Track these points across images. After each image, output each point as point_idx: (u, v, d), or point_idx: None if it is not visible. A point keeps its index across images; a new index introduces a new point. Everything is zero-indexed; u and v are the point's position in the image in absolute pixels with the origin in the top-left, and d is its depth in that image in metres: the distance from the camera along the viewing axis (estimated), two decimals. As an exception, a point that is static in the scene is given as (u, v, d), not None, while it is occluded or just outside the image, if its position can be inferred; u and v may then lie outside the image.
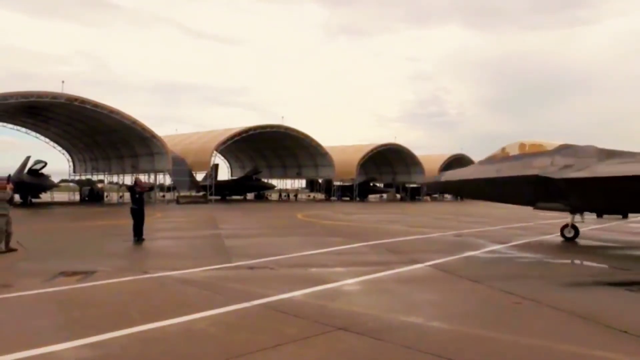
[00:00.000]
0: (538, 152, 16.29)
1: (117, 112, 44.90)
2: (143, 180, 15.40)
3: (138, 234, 14.48)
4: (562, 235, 16.29)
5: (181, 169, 52.21)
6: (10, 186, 12.59)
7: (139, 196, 15.26)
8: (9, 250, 11.84)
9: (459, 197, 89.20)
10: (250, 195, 67.75)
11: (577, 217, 16.11)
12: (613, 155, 15.67)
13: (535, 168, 15.67)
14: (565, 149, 16.08)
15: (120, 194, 62.18)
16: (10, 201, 12.54)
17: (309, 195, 77.37)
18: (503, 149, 17.30)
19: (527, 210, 18.45)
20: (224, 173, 71.63)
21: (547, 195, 15.72)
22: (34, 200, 45.22)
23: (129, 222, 15.19)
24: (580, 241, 15.94)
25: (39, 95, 40.57)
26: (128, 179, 62.02)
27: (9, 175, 13.87)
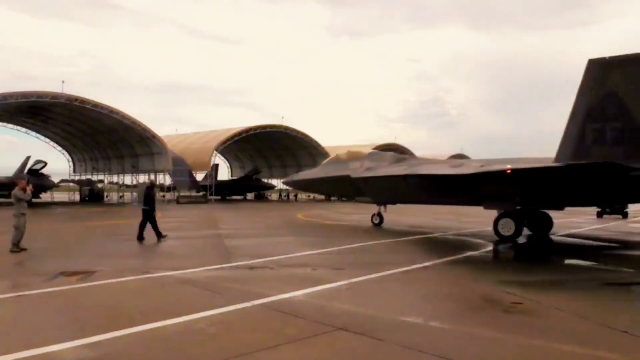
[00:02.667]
0: (355, 158, 20.94)
1: (117, 112, 44.88)
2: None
3: (158, 234, 15.00)
4: (372, 221, 20.91)
5: (181, 169, 52.20)
6: (30, 187, 12.97)
7: (152, 197, 15.58)
8: (21, 249, 12.03)
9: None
10: (250, 195, 67.69)
11: (382, 208, 20.77)
12: (402, 160, 20.86)
13: (349, 170, 20.21)
14: (372, 155, 21.16)
15: (120, 193, 62.19)
16: (29, 202, 12.89)
17: (309, 196, 77.29)
18: (337, 155, 22.20)
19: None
20: (224, 173, 71.66)
21: (357, 191, 20.32)
22: (34, 200, 45.10)
23: (129, 222, 15.22)
24: (580, 241, 15.98)
25: (39, 95, 40.56)
26: (128, 179, 62.07)
27: (28, 177, 14.11)
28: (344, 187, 20.92)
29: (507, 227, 15.33)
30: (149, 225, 15.03)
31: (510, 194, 15.35)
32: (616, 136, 13.94)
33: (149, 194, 15.66)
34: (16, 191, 12.48)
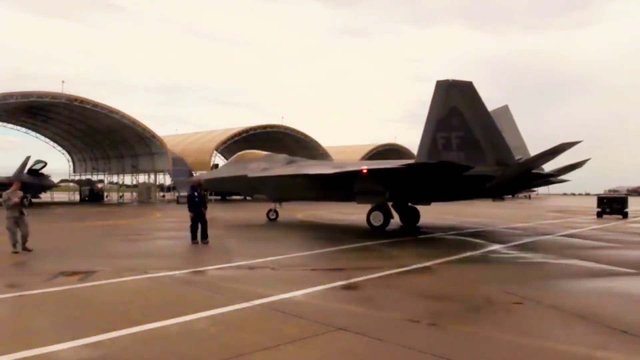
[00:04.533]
0: (254, 159, 22.73)
1: (117, 112, 44.91)
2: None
3: (198, 236, 13.97)
4: (267, 217, 22.68)
5: (181, 169, 52.21)
6: (16, 188, 12.58)
7: (200, 198, 14.30)
8: (25, 250, 12.06)
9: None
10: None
11: (277, 205, 22.78)
12: (293, 162, 22.74)
13: (247, 170, 21.76)
14: (268, 157, 22.94)
15: (120, 193, 62.20)
16: (23, 204, 12.51)
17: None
18: (238, 155, 23.80)
19: (527, 210, 19.10)
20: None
21: (254, 189, 22.39)
22: (34, 200, 45.19)
23: (129, 222, 15.18)
24: (580, 242, 15.98)
25: (39, 95, 40.59)
26: (128, 179, 62.09)
27: (19, 181, 13.81)
28: (243, 186, 22.63)
29: (377, 218, 18.42)
30: (148, 226, 14.97)
31: (377, 190, 18.07)
32: (459, 143, 17.05)
33: (194, 195, 14.26)
34: (4, 195, 12.37)
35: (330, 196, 21.64)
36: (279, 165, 22.15)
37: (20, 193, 12.51)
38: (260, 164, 22.26)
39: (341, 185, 18.64)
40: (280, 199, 23.05)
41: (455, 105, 17.12)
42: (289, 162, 22.78)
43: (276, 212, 22.83)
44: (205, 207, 14.33)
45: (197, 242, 13.81)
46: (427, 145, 17.51)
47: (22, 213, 12.20)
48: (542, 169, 19.68)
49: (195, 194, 14.27)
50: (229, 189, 26.62)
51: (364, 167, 17.14)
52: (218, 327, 5.90)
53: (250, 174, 21.55)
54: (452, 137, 17.10)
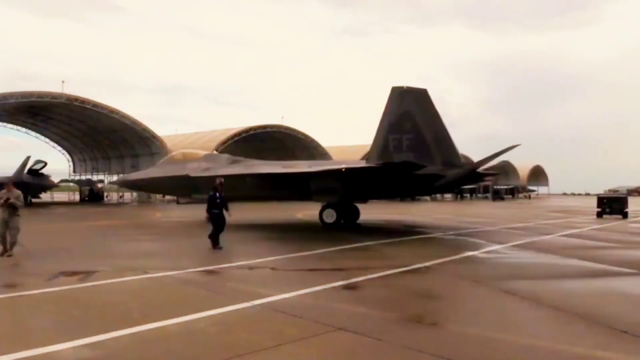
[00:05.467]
0: (192, 158, 22.58)
1: (117, 112, 44.91)
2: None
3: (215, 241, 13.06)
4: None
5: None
6: (5, 194, 11.66)
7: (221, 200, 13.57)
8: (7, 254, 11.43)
9: (458, 197, 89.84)
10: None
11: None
12: (237, 162, 22.83)
13: (187, 170, 21.46)
14: (209, 156, 23.03)
15: (120, 194, 62.17)
16: (5, 203, 11.43)
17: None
18: (172, 156, 23.77)
19: (526, 210, 19.20)
20: (224, 173, 71.41)
21: (195, 189, 21.27)
22: (34, 200, 45.19)
23: (128, 223, 15.14)
24: (580, 241, 15.99)
25: (39, 95, 40.58)
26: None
27: (11, 183, 12.52)
28: (182, 186, 22.19)
29: (330, 215, 19.47)
30: (147, 226, 14.87)
31: (335, 189, 18.99)
32: (409, 144, 18.52)
33: (211, 197, 13.51)
34: None
35: (284, 195, 21.96)
36: (222, 165, 22.07)
37: (18, 193, 11.74)
38: (201, 163, 22.07)
39: (298, 185, 19.28)
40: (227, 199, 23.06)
41: (409, 109, 18.68)
42: (233, 162, 22.79)
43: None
44: (227, 209, 13.56)
45: (220, 248, 12.82)
46: (379, 146, 19.05)
47: (12, 215, 11.45)
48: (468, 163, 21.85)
49: (217, 194, 13.49)
50: (166, 190, 25.88)
51: (343, 165, 17.83)
52: (218, 327, 5.90)
53: (193, 174, 21.12)
54: (403, 139, 18.68)
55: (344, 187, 19.09)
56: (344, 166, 17.74)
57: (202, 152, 23.65)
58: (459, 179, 20.14)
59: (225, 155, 23.93)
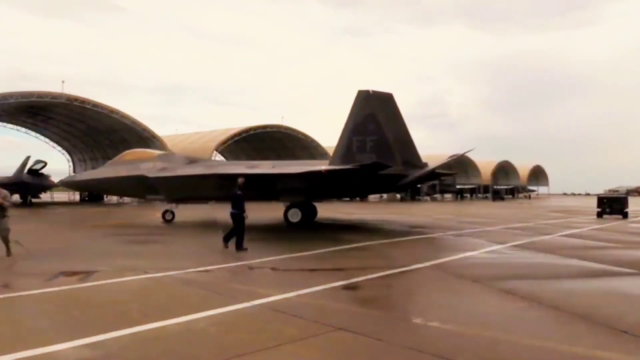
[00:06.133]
0: (145, 158, 22.22)
1: (117, 112, 44.90)
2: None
3: (238, 242, 12.56)
4: (163, 218, 21.90)
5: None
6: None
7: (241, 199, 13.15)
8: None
9: (458, 197, 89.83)
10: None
11: (174, 205, 22.21)
12: (196, 161, 22.90)
13: (142, 170, 21.33)
14: (164, 156, 22.83)
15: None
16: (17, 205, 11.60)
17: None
18: (122, 155, 23.21)
19: (526, 211, 19.29)
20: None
21: (150, 189, 21.38)
22: (33, 200, 45.23)
23: (128, 223, 15.13)
24: (580, 241, 15.99)
25: (39, 95, 40.57)
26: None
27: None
28: (136, 186, 22.00)
29: (295, 215, 20.05)
30: (148, 225, 14.86)
31: (301, 189, 19.61)
32: (372, 146, 19.55)
33: (236, 195, 13.09)
34: None
35: (249, 196, 22.81)
36: (180, 165, 22.06)
37: (5, 192, 11.42)
38: (157, 163, 21.91)
39: (264, 185, 19.81)
40: (183, 200, 22.76)
41: (373, 112, 19.74)
42: (191, 162, 22.82)
43: (173, 212, 22.15)
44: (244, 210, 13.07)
45: (245, 249, 12.37)
46: (342, 146, 20.10)
47: (1, 216, 11.20)
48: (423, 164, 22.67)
49: (239, 194, 13.09)
50: (117, 190, 24.97)
51: (323, 167, 18.56)
52: (218, 327, 5.90)
53: (150, 174, 21.05)
54: (367, 140, 19.74)
55: (312, 187, 19.75)
56: (324, 168, 18.30)
57: (156, 152, 23.44)
58: (419, 178, 22.00)
59: (182, 155, 23.84)
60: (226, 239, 12.91)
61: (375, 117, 19.74)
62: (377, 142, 19.67)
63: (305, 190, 19.92)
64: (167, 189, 21.38)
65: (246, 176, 19.54)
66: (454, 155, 24.83)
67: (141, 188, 21.72)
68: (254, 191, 20.16)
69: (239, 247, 12.46)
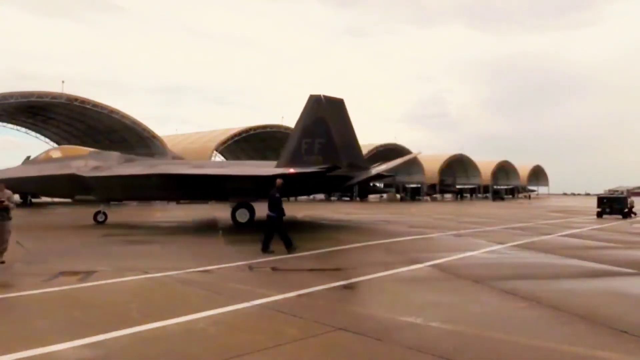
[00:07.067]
0: (76, 156, 21.04)
1: (117, 112, 44.88)
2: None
3: (287, 242, 12.10)
4: (95, 220, 20.64)
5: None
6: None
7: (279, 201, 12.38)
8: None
9: (458, 197, 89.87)
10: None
11: (103, 205, 21.01)
12: (133, 160, 22.14)
13: (73, 168, 20.06)
14: (96, 154, 21.46)
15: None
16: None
17: (309, 195, 77.19)
18: (47, 152, 21.97)
19: (527, 211, 19.30)
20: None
21: (82, 189, 20.25)
22: (33, 200, 45.19)
23: (128, 223, 15.08)
24: (580, 242, 16.00)
25: (39, 95, 40.54)
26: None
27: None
28: (66, 186, 20.58)
29: (243, 215, 19.91)
30: (148, 225, 14.82)
31: (253, 190, 19.74)
32: (320, 148, 20.39)
33: (274, 198, 12.37)
34: None
35: (194, 196, 22.50)
36: (115, 163, 21.05)
37: (9, 193, 10.85)
38: (89, 161, 20.64)
39: (213, 186, 19.80)
40: (120, 199, 22.19)
41: (323, 116, 20.51)
42: (127, 160, 21.91)
43: (105, 214, 20.87)
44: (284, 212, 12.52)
45: (272, 252, 11.82)
46: (291, 148, 20.78)
47: (5, 218, 10.59)
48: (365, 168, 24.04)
49: (278, 195, 12.50)
50: (42, 190, 23.05)
51: (291, 170, 18.83)
52: (218, 327, 5.90)
53: (85, 173, 19.82)
54: (315, 142, 20.48)
55: (265, 188, 19.95)
56: (292, 170, 18.64)
57: (87, 149, 22.19)
58: (364, 180, 23.37)
59: (116, 153, 22.58)
60: (265, 246, 12.10)
61: (325, 120, 20.52)
62: (325, 145, 20.49)
63: (259, 191, 19.72)
64: (104, 189, 20.23)
65: (194, 177, 19.44)
66: (404, 157, 28.53)
67: (71, 187, 20.36)
68: (200, 191, 20.80)
69: (265, 249, 11.95)
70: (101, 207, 20.87)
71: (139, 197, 23.34)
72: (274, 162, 22.15)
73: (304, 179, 20.12)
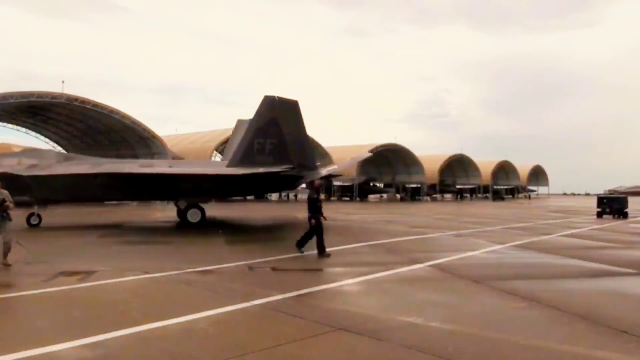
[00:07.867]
0: (7, 153, 20.43)
1: (117, 112, 44.87)
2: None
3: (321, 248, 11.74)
4: (27, 222, 18.95)
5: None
6: None
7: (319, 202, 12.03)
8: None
9: (458, 197, 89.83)
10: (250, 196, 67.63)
11: (37, 207, 19.32)
12: (72, 158, 21.49)
13: (4, 167, 18.31)
14: (30, 152, 20.69)
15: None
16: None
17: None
18: None
19: (526, 211, 19.25)
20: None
21: (16, 189, 17.67)
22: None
23: (128, 223, 15.05)
24: (580, 241, 16.00)
25: (39, 95, 40.52)
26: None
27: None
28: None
29: (195, 215, 19.97)
30: (147, 224, 14.80)
31: (211, 190, 19.92)
32: (271, 149, 20.71)
33: (313, 199, 12.08)
34: None
35: (142, 196, 22.31)
36: (53, 162, 19.82)
37: (6, 193, 10.49)
38: (22, 159, 19.23)
39: (164, 185, 19.62)
40: (58, 201, 20.93)
41: (276, 117, 20.67)
42: (66, 158, 21.04)
43: (40, 216, 19.21)
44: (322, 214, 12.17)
45: (328, 255, 11.61)
46: (243, 147, 20.94)
47: (5, 218, 10.32)
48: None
49: (316, 197, 12.23)
50: None
51: (261, 169, 19.10)
52: (218, 327, 5.90)
53: (22, 172, 18.37)
54: (267, 143, 20.74)
55: (224, 188, 20.33)
56: (262, 170, 18.87)
57: (18, 146, 22.14)
58: (313, 180, 22.96)
59: (53, 151, 22.27)
60: (300, 244, 11.99)
61: (278, 121, 20.77)
62: (276, 145, 20.80)
63: (216, 191, 20.29)
64: (42, 189, 18.79)
65: (147, 176, 19.09)
66: (354, 158, 30.56)
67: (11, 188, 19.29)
68: (149, 191, 20.58)
69: (321, 253, 11.65)
70: (35, 209, 19.09)
71: (81, 198, 21.76)
72: (225, 162, 22.35)
73: (261, 179, 20.60)
